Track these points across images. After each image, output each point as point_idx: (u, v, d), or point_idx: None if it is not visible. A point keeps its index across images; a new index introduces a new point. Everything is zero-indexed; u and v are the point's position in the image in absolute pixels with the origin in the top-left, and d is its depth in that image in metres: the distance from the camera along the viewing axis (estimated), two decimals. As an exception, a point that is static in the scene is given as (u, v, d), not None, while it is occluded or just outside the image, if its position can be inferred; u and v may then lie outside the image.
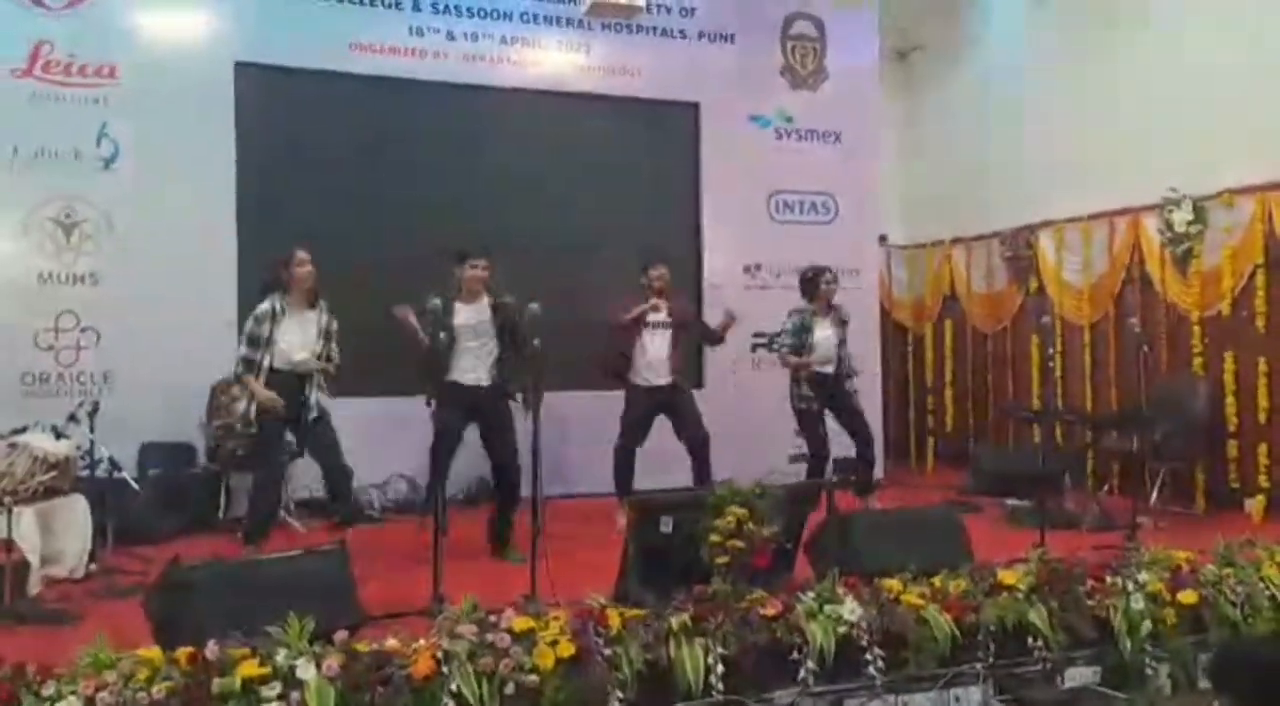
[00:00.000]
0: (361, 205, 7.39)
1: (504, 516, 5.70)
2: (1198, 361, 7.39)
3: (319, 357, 5.40)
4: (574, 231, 7.79)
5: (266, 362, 5.29)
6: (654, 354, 6.56)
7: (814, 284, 6.85)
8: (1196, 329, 7.41)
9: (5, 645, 3.61)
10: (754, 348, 8.44)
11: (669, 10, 8.36)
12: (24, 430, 5.53)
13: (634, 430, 6.55)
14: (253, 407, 5.31)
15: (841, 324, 6.95)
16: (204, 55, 7.13)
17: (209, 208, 7.02)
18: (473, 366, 5.67)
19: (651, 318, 6.58)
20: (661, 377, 6.58)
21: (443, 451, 5.54)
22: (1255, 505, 6.92)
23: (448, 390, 5.50)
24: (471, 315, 5.69)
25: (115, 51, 6.90)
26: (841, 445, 7.37)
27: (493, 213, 7.60)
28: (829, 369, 6.85)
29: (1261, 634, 4.25)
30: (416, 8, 7.71)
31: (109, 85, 6.88)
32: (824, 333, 6.83)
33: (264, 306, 5.33)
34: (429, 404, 5.33)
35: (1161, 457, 7.01)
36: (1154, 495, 7.00)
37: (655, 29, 8.30)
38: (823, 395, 6.82)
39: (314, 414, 5.37)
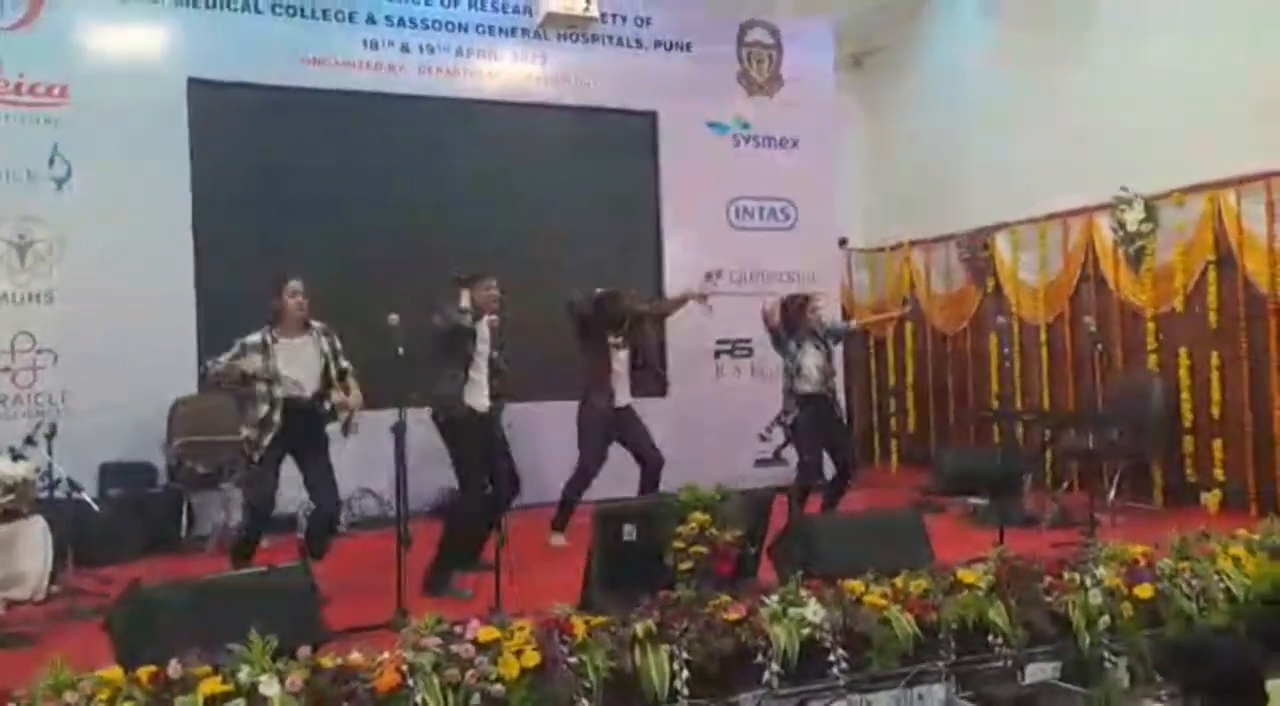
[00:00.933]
0: (318, 219, 7.37)
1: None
2: (1152, 358, 7.52)
3: (332, 383, 5.30)
4: (533, 242, 7.80)
5: (279, 393, 5.15)
6: (619, 371, 6.57)
7: (800, 313, 6.73)
8: (1150, 326, 7.53)
9: (-36, 670, 3.57)
10: (717, 354, 8.49)
11: (625, 20, 8.41)
12: (-20, 453, 5.47)
13: (601, 455, 6.47)
14: (275, 414, 5.13)
15: (825, 343, 6.78)
16: (156, 72, 7.08)
17: (164, 225, 6.96)
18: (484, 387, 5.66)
19: (611, 338, 6.57)
20: (623, 397, 6.57)
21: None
22: (1211, 499, 7.05)
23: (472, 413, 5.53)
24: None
25: (66, 71, 6.84)
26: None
27: (451, 224, 7.62)
28: (819, 389, 6.69)
29: (1211, 625, 4.32)
30: (371, 20, 7.70)
31: (60, 105, 6.82)
32: (811, 358, 6.67)
33: (254, 338, 5.18)
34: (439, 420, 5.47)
35: (1118, 454, 7.13)
36: (1112, 491, 7.11)
37: (611, 38, 8.36)
38: (818, 415, 6.71)
39: (321, 442, 5.31)
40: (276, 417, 5.14)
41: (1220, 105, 6.87)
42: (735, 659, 3.75)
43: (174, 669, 3.12)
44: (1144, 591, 4.42)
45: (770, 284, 8.60)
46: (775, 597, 3.97)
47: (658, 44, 8.52)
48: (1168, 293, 7.40)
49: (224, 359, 5.15)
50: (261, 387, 5.14)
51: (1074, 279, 8.13)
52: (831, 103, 9.17)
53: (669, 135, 8.52)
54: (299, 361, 5.24)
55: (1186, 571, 4.59)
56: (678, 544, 4.14)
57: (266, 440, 5.13)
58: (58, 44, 6.86)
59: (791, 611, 3.90)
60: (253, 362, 5.11)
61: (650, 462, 6.47)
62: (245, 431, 5.22)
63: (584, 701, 3.42)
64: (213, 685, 3.07)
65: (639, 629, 3.64)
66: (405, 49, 7.79)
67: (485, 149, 7.93)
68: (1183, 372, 7.30)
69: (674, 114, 8.52)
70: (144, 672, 3.13)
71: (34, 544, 5.36)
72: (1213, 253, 7.08)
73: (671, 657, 3.63)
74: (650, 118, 8.50)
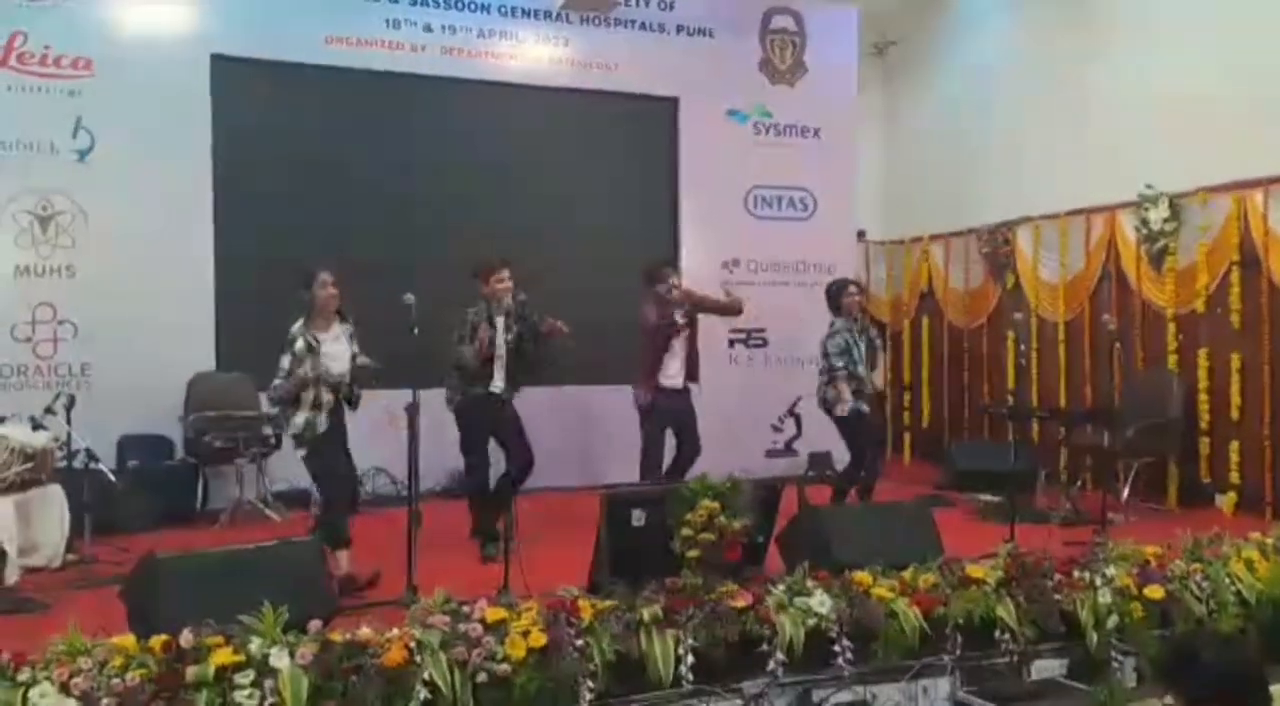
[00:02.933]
0: (338, 198, 7.39)
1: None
2: (1172, 358, 7.46)
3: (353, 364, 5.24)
4: (550, 226, 7.81)
5: (325, 396, 5.04)
6: (679, 357, 6.51)
7: (838, 297, 6.65)
8: (1171, 326, 7.47)
9: (-19, 633, 3.62)
10: (731, 343, 8.48)
11: (647, 4, 8.36)
12: (1, 421, 5.53)
13: (664, 436, 6.44)
14: (320, 419, 5.03)
15: (866, 334, 6.72)
16: (180, 48, 7.10)
17: (185, 200, 7.00)
18: (500, 376, 5.79)
19: (679, 322, 6.53)
20: (679, 381, 6.52)
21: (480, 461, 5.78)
22: (1226, 501, 7.00)
23: (482, 401, 5.73)
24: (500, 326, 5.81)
25: (91, 44, 6.88)
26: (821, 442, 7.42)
27: (469, 205, 7.63)
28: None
29: (1213, 631, 4.30)
30: (394, 0, 7.70)
31: (84, 77, 6.86)
32: (859, 348, 6.60)
33: (299, 344, 4.99)
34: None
35: (1134, 453, 7.09)
36: (1126, 491, 7.07)
37: (634, 22, 8.32)
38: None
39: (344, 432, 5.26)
40: (322, 418, 5.04)
41: (1249, 103, 6.80)
42: (740, 646, 3.78)
43: (186, 638, 3.17)
44: (1154, 592, 4.42)
45: (786, 274, 8.60)
46: (782, 587, 4.00)
47: (680, 29, 8.46)
48: (1190, 293, 7.33)
49: (284, 375, 4.97)
50: (308, 394, 5.01)
51: (1095, 276, 8.08)
52: (854, 92, 9.10)
53: (689, 122, 8.47)
54: (334, 355, 5.11)
55: (1198, 573, 4.58)
56: (686, 531, 4.15)
57: (320, 431, 5.04)
58: (83, 17, 6.88)
59: (798, 601, 3.93)
60: (306, 367, 4.98)
61: (691, 451, 6.47)
62: (293, 428, 5.05)
63: (588, 683, 3.45)
64: (224, 655, 3.12)
65: (645, 613, 3.67)
66: (428, 29, 7.77)
67: (505, 131, 7.93)
68: (1202, 374, 7.24)
69: (695, 101, 8.47)
70: (156, 641, 3.18)
71: (51, 512, 5.43)
72: (1237, 253, 7.01)
73: (677, 643, 3.66)
74: (671, 104, 8.45)
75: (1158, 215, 7.45)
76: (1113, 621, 4.31)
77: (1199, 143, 7.12)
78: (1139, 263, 7.69)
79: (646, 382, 6.40)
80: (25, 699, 2.97)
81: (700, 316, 6.73)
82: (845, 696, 3.96)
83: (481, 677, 3.32)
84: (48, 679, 3.02)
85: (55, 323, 6.78)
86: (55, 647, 3.16)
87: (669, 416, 6.44)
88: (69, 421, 5.57)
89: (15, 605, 4.62)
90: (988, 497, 7.04)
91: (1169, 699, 2.69)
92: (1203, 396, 7.24)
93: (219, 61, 7.16)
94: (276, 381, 5.01)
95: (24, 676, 3.03)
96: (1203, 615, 4.44)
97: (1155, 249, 7.53)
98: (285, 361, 4.99)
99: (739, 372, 8.44)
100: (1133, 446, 7.01)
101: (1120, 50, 7.86)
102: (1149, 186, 7.44)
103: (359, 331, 5.25)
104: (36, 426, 5.55)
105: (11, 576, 5.00)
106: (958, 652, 4.12)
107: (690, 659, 3.65)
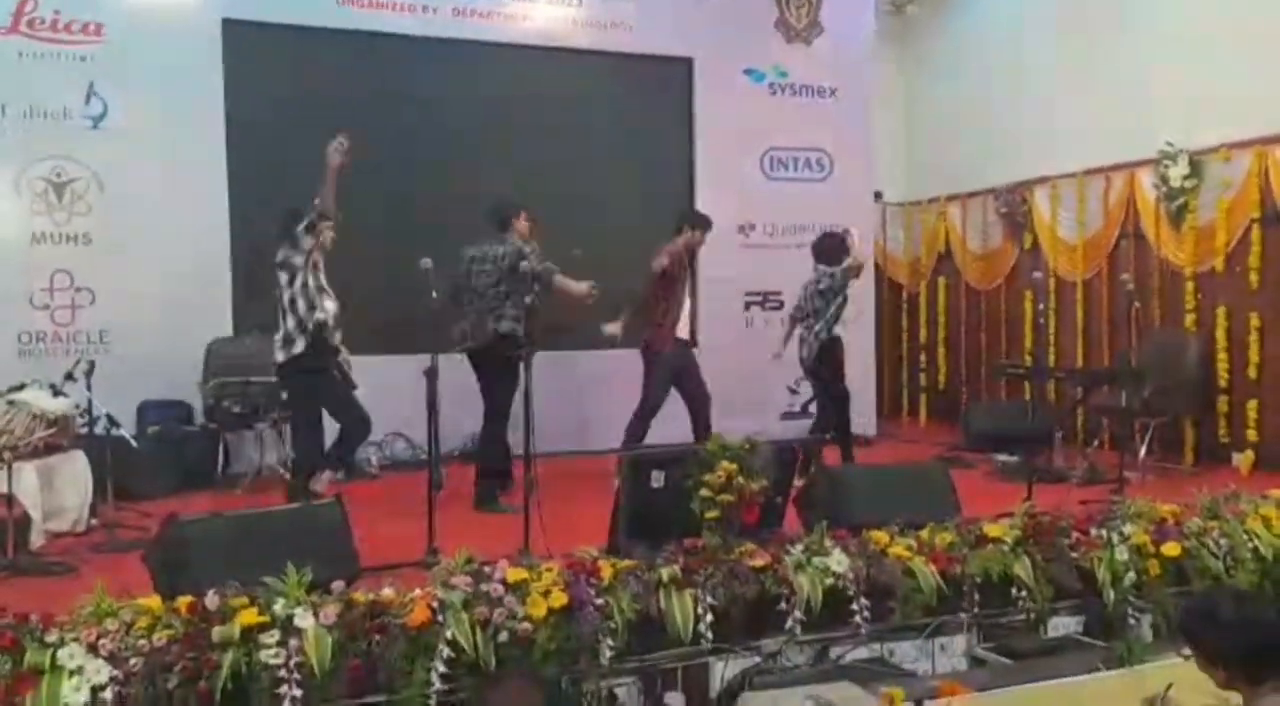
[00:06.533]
0: (352, 162, 7.34)
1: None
2: (1190, 317, 7.41)
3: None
4: (565, 189, 7.75)
5: (320, 317, 5.25)
6: (685, 307, 6.59)
7: (843, 248, 6.81)
8: (1190, 285, 7.42)
9: (9, 595, 3.67)
10: (747, 305, 8.45)
11: (661, -38, 8.25)
12: (21, 388, 5.57)
13: (666, 386, 6.46)
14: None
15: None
16: (191, 12, 7.05)
17: (200, 165, 6.98)
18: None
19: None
20: (684, 331, 6.60)
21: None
22: (1243, 460, 6.99)
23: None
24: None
25: (100, 8, 6.83)
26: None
27: (483, 170, 7.57)
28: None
29: (1234, 587, 4.31)
30: (406, -39, 7.62)
31: (96, 43, 6.81)
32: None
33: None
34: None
35: (1151, 413, 7.06)
36: (1143, 450, 7.06)
37: (647, -19, 8.21)
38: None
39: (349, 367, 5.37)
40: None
41: (1271, 58, 6.70)
42: (759, 605, 3.81)
43: (211, 600, 3.20)
44: (1171, 549, 4.43)
45: (803, 236, 8.52)
46: (800, 546, 4.02)
47: (694, -13, 8.36)
48: (1208, 251, 7.27)
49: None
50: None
51: (1113, 235, 8.01)
52: (871, 51, 8.98)
53: (705, 82, 8.38)
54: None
55: (1215, 530, 4.59)
56: (705, 492, 4.16)
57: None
58: (94, -19, 6.86)
59: (816, 560, 3.95)
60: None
61: (698, 400, 6.54)
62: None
63: (608, 641, 3.49)
64: (249, 616, 3.16)
65: (664, 573, 3.70)
66: (439, -10, 7.71)
67: (519, 94, 7.84)
68: (1220, 332, 7.20)
69: (710, 61, 8.37)
70: (182, 603, 3.22)
71: (74, 477, 5.49)
72: (1257, 210, 6.94)
73: (696, 602, 3.69)
74: (686, 64, 8.35)
75: (1178, 172, 7.37)
76: (1129, 578, 4.33)
77: (1220, 98, 7.03)
78: (1158, 221, 7.62)
79: (668, 330, 6.40)
80: (54, 659, 3.01)
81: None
82: (863, 653, 4.00)
83: (503, 636, 3.35)
84: (75, 640, 3.06)
85: (73, 289, 6.80)
86: (83, 609, 3.20)
87: (676, 367, 6.44)
88: (89, 387, 5.60)
89: (41, 568, 4.69)
90: (1005, 458, 7.04)
91: (1187, 651, 2.71)
92: (1221, 356, 7.20)
93: (230, 25, 7.11)
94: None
95: (52, 638, 3.07)
96: (1219, 572, 4.45)
97: (1175, 207, 7.46)
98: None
99: (755, 335, 8.40)
100: (1150, 406, 6.98)
101: (1140, 7, 7.74)
102: (1169, 144, 7.36)
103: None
104: (57, 393, 5.58)
105: (37, 540, 5.07)
106: (975, 610, 4.15)
107: (709, 617, 3.68)
